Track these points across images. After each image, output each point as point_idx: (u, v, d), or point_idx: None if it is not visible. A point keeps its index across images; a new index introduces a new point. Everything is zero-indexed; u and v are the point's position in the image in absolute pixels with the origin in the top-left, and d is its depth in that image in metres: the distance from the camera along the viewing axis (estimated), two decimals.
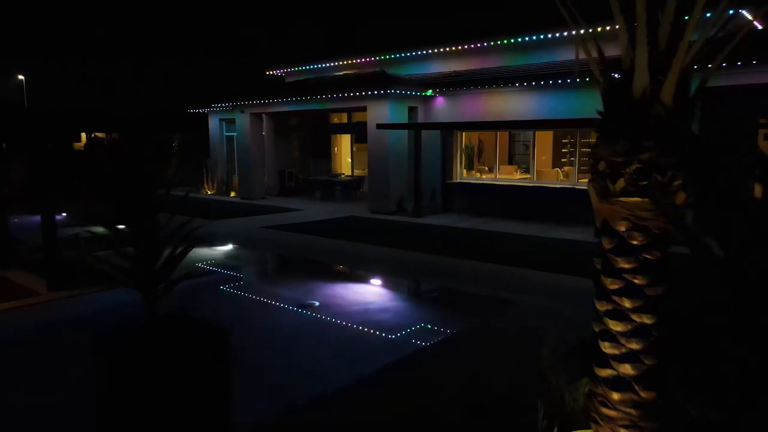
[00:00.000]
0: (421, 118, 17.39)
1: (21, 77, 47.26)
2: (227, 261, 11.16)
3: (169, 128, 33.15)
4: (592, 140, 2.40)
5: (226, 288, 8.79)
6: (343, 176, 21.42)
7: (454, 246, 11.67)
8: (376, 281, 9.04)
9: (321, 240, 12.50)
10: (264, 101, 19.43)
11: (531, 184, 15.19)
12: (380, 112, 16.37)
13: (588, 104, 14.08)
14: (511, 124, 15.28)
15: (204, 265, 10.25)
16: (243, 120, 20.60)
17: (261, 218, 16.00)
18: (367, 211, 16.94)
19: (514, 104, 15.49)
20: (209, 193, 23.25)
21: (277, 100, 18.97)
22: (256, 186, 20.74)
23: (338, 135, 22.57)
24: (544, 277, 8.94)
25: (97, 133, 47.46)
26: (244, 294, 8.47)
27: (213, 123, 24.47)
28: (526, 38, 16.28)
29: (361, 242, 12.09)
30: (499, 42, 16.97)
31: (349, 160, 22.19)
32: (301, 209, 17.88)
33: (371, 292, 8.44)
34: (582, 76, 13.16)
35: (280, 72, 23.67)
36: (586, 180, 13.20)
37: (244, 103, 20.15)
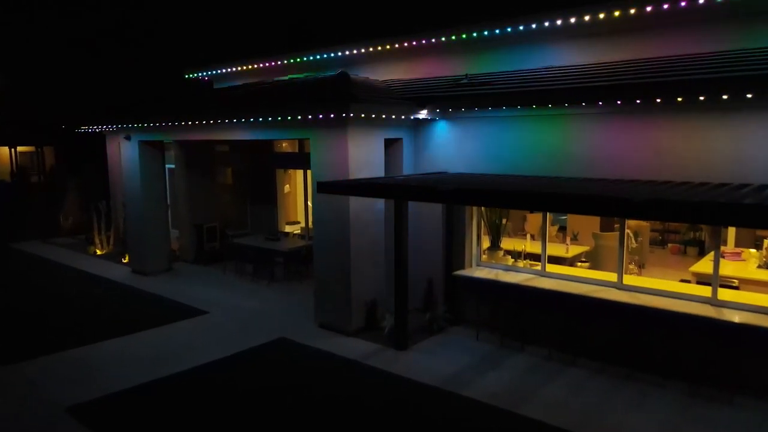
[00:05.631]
0: (408, 157, 10.02)
1: None
2: None
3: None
4: None
5: None
6: (290, 236, 14.00)
7: None
8: None
9: None
10: (146, 125, 11.92)
11: (622, 299, 7.72)
12: (334, 148, 8.96)
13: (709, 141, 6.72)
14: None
15: None
16: (130, 151, 13.09)
17: (109, 349, 8.56)
18: (315, 324, 9.56)
19: (584, 136, 8.14)
20: (99, 253, 15.75)
21: (164, 125, 11.53)
22: (153, 252, 13.27)
23: (287, 170, 15.14)
24: None
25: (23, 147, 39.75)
26: None
27: (111, 149, 16.97)
28: (601, 15, 8.87)
29: None
30: (554, 22, 9.52)
31: (305, 206, 14.75)
32: (204, 311, 10.44)
33: None
34: None
35: (204, 74, 16.21)
36: (735, 290, 4.59)
37: (122, 126, 12.61)
